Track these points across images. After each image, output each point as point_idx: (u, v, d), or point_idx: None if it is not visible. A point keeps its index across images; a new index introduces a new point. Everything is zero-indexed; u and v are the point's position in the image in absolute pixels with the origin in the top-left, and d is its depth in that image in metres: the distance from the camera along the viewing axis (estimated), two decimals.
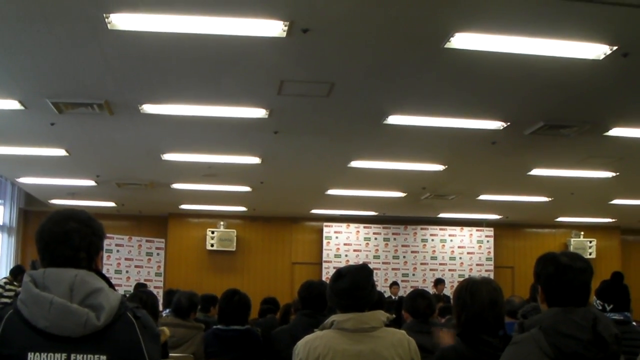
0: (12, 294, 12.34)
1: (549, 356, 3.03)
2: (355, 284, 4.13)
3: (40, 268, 2.73)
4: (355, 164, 13.13)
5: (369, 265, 4.53)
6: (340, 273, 4.22)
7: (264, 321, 9.15)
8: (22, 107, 9.47)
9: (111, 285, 2.76)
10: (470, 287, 3.95)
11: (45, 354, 2.56)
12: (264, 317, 9.68)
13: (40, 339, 2.56)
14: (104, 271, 2.88)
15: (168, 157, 12.80)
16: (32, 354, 2.55)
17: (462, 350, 3.87)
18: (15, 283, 12.62)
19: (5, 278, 13.25)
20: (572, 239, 21.92)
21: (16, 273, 12.83)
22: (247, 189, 16.26)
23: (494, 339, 3.83)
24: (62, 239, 2.75)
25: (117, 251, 19.45)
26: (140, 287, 12.17)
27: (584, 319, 3.08)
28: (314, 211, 20.00)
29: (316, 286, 6.11)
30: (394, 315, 4.29)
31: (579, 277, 3.25)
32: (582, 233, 22.02)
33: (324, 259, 21.07)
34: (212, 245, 20.85)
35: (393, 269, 21.11)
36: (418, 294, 5.92)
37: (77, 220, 2.81)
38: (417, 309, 5.62)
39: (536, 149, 11.71)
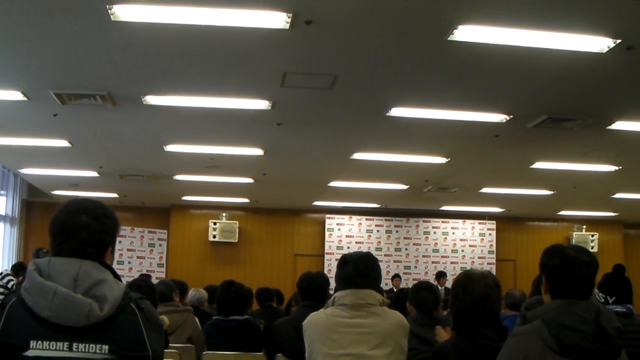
0: (6, 290, 12.26)
1: (551, 348, 3.05)
2: (358, 271, 4.36)
3: (46, 257, 2.74)
4: (357, 156, 13.13)
5: None
6: (344, 260, 4.45)
7: (263, 312, 9.13)
8: (24, 98, 9.47)
9: (117, 276, 2.77)
10: (464, 282, 4.03)
11: (48, 343, 2.57)
12: (262, 307, 9.62)
13: (43, 328, 2.57)
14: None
15: (171, 148, 12.81)
16: (35, 342, 2.56)
17: (458, 343, 3.90)
18: (14, 279, 12.54)
19: (8, 275, 13.20)
20: (575, 233, 21.90)
21: (17, 270, 12.77)
22: (249, 180, 16.27)
23: (489, 330, 3.85)
24: (70, 233, 2.75)
25: (120, 242, 19.17)
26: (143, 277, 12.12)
27: (587, 312, 3.10)
28: (316, 203, 20.01)
29: (315, 277, 6.19)
30: (389, 301, 4.42)
31: (584, 270, 3.27)
32: (585, 227, 22.01)
33: (326, 250, 21.08)
34: (214, 237, 20.85)
35: (395, 261, 21.11)
36: (423, 287, 5.94)
37: (90, 215, 2.80)
38: (422, 302, 5.64)
39: (539, 142, 11.70)
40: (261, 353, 6.46)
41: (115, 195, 18.87)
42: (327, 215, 21.17)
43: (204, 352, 6.48)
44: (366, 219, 21.31)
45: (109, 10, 6.48)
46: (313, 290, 6.08)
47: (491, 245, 21.65)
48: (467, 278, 4.02)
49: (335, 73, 8.37)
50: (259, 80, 8.78)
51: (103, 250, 2.82)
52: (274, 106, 9.74)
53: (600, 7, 6.35)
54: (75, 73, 8.54)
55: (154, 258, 20.24)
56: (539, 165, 13.67)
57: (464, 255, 21.51)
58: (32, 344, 2.56)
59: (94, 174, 15.68)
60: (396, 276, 18.96)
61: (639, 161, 13.13)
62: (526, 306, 5.24)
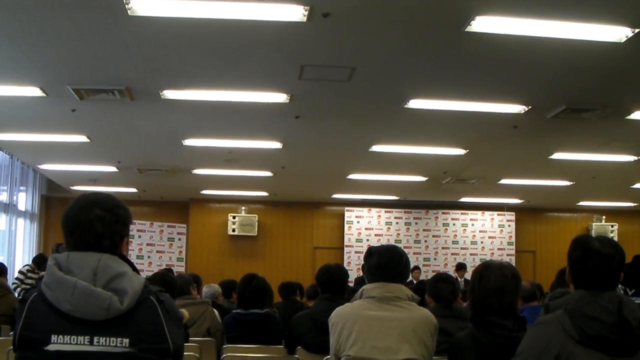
0: (33, 282, 12.35)
1: (573, 338, 3.03)
2: (382, 264, 4.38)
3: (65, 252, 2.75)
4: (376, 148, 13.12)
5: None
6: (370, 252, 4.50)
7: (285, 305, 9.13)
8: (43, 94, 9.50)
9: (135, 269, 2.79)
10: (481, 272, 4.02)
11: (69, 337, 2.58)
12: (285, 300, 9.62)
13: (64, 322, 2.58)
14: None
15: (189, 142, 12.84)
16: (56, 336, 2.58)
17: (476, 334, 3.88)
18: (37, 271, 12.65)
19: (27, 265, 13.29)
20: (594, 223, 21.81)
21: (39, 262, 12.84)
22: (268, 174, 16.30)
23: (507, 321, 3.84)
24: (85, 227, 2.77)
25: (139, 237, 19.54)
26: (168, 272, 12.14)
27: (610, 302, 3.08)
28: (335, 196, 20.01)
29: (335, 269, 6.20)
30: (419, 298, 4.41)
31: (606, 264, 3.23)
32: (604, 217, 21.91)
33: (345, 243, 21.13)
34: (233, 231, 20.92)
35: (414, 253, 21.03)
36: (441, 278, 5.94)
37: (102, 207, 2.82)
38: (440, 293, 5.64)
39: (558, 133, 11.65)
40: (281, 346, 6.46)
41: (134, 189, 18.95)
42: (347, 208, 21.18)
43: (224, 346, 6.49)
44: (385, 211, 21.32)
45: (126, 5, 6.49)
46: (333, 283, 6.09)
47: (510, 236, 21.62)
48: (485, 268, 4.02)
49: (353, 65, 8.36)
50: (277, 73, 8.78)
51: (119, 242, 2.84)
52: (292, 99, 9.73)
53: None
54: (93, 68, 8.56)
55: (173, 252, 20.31)
56: (557, 156, 13.62)
57: (483, 247, 21.48)
58: (53, 338, 2.58)
59: (113, 168, 15.75)
60: (416, 268, 18.91)
61: None
62: (550, 297, 5.23)
